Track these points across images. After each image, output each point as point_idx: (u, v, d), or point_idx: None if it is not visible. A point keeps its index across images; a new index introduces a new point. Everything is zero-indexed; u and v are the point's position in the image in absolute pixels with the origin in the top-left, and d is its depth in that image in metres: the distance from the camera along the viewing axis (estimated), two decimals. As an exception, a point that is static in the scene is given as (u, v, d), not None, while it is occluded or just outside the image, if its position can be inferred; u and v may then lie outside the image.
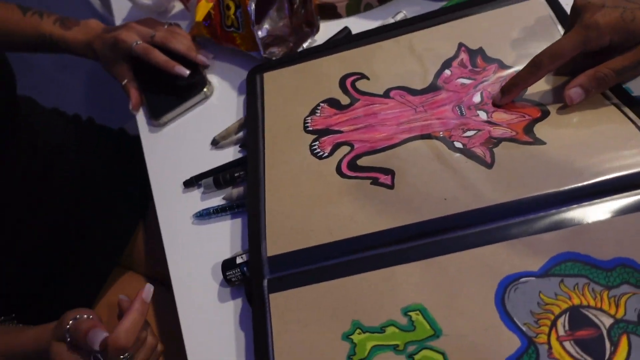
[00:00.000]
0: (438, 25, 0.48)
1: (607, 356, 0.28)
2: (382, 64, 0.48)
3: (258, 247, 0.38)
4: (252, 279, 0.37)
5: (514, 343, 0.30)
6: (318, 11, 0.56)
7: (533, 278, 0.31)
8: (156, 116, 0.56)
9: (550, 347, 0.29)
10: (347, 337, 0.33)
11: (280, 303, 0.35)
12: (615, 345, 0.28)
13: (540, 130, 0.38)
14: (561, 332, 0.30)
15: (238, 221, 0.45)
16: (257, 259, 0.38)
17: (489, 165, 0.37)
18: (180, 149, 0.54)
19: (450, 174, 0.37)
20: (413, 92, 0.44)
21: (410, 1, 0.54)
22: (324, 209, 0.39)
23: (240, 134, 0.51)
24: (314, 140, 0.44)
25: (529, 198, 0.34)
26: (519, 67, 0.42)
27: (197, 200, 0.49)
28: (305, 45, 0.55)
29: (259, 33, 0.56)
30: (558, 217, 0.33)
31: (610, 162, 0.34)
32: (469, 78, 0.43)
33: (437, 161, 0.39)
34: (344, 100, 0.46)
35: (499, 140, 0.38)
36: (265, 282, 0.37)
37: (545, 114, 0.39)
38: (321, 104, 0.47)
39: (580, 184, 0.34)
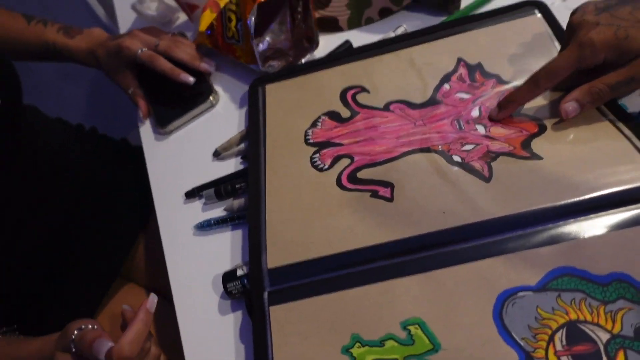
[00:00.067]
0: (438, 39, 0.49)
1: (604, 371, 0.28)
2: (382, 78, 0.48)
3: (258, 259, 0.39)
4: (253, 292, 0.38)
5: (512, 357, 0.30)
6: (318, 27, 0.56)
7: (530, 292, 0.32)
8: (162, 124, 0.56)
9: (547, 362, 0.29)
10: (346, 350, 0.33)
11: (281, 316, 0.36)
12: (612, 360, 0.29)
13: (537, 145, 0.38)
14: (559, 347, 0.30)
15: (239, 232, 0.46)
16: (258, 272, 0.38)
17: (487, 179, 0.38)
18: (182, 159, 0.54)
19: (449, 188, 0.38)
20: (412, 105, 0.45)
21: (411, 15, 0.55)
22: (324, 221, 0.40)
23: (242, 146, 0.52)
24: (315, 153, 0.45)
25: (526, 212, 0.35)
26: (516, 83, 0.43)
27: (198, 211, 0.49)
28: (304, 60, 0.56)
29: (260, 46, 0.57)
30: (555, 231, 0.34)
31: (606, 177, 0.35)
32: (467, 92, 0.44)
33: (436, 174, 0.39)
34: (345, 113, 0.47)
35: (496, 155, 0.39)
36: (266, 295, 0.37)
37: (542, 129, 0.39)
38: (322, 117, 0.48)
39: (576, 199, 0.34)
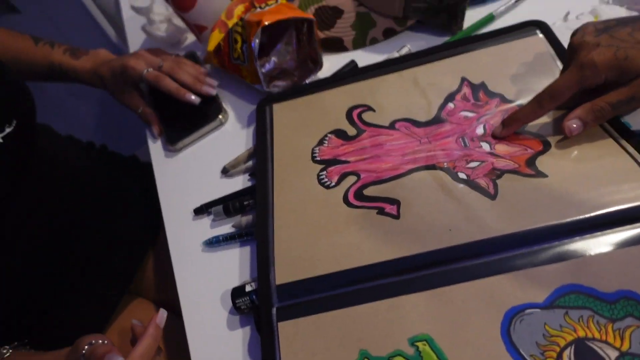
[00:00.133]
0: (441, 59, 0.50)
1: (613, 389, 0.28)
2: (387, 97, 0.49)
3: (267, 275, 0.39)
4: (261, 307, 0.38)
5: (520, 375, 0.30)
6: (323, 47, 0.58)
7: (538, 309, 0.32)
8: (172, 142, 0.57)
9: (556, 379, 0.30)
10: (354, 366, 0.33)
11: (289, 331, 0.36)
12: (620, 378, 0.29)
13: (542, 163, 0.39)
14: (567, 364, 0.30)
15: (247, 249, 0.46)
16: (266, 287, 0.39)
17: (493, 197, 0.38)
18: (191, 176, 0.55)
19: (455, 205, 0.38)
20: (417, 123, 0.46)
21: (415, 36, 0.56)
22: (331, 238, 0.40)
23: (250, 163, 0.53)
24: (322, 170, 0.46)
25: (533, 230, 0.35)
26: (520, 102, 0.43)
27: (206, 227, 0.50)
28: (308, 81, 0.57)
29: (266, 65, 0.58)
30: (561, 249, 0.34)
31: (611, 195, 0.35)
32: (471, 111, 0.45)
33: (442, 192, 0.40)
34: (351, 131, 0.48)
35: (502, 172, 0.39)
36: (274, 311, 0.37)
37: (546, 147, 0.40)
38: (328, 135, 0.48)
39: (582, 217, 0.35)
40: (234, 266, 0.45)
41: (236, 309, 0.40)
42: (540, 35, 0.47)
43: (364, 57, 0.57)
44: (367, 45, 0.58)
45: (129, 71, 0.57)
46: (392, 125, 0.47)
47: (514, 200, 0.37)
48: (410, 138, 0.45)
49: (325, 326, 0.35)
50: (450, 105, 0.46)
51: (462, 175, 0.40)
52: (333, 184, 0.44)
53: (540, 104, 0.38)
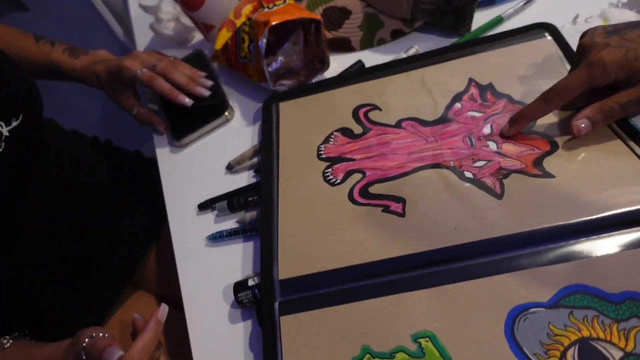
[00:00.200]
0: (449, 60, 0.50)
1: (617, 390, 0.28)
2: (394, 96, 0.50)
3: (270, 270, 0.39)
4: (264, 301, 0.38)
5: (524, 373, 0.30)
6: (331, 47, 0.58)
7: (542, 309, 0.32)
8: (178, 137, 0.58)
9: (560, 379, 0.29)
10: (356, 362, 0.33)
11: (291, 325, 0.36)
12: (626, 378, 0.28)
13: (549, 163, 0.39)
14: (571, 363, 0.30)
15: (250, 244, 0.46)
16: (269, 282, 0.39)
17: (499, 196, 0.38)
18: (195, 172, 0.55)
19: (461, 204, 0.38)
20: (424, 123, 0.46)
21: (423, 37, 0.56)
22: (336, 234, 0.40)
23: (255, 160, 0.53)
24: (327, 167, 0.46)
25: (539, 230, 0.35)
26: (527, 103, 0.43)
27: (210, 222, 0.50)
28: (314, 80, 0.57)
29: (273, 65, 0.58)
30: (567, 249, 0.34)
31: (618, 197, 0.35)
32: (479, 111, 0.45)
33: (448, 190, 0.40)
34: (357, 129, 0.48)
35: (508, 172, 0.39)
36: (277, 305, 0.37)
37: (553, 147, 0.40)
38: (335, 133, 0.49)
39: (588, 218, 0.34)
40: (236, 261, 0.45)
41: (238, 302, 0.40)
42: (549, 38, 0.47)
43: (371, 58, 0.57)
44: (375, 45, 0.58)
45: (124, 71, 0.57)
46: (398, 124, 0.47)
47: (521, 200, 0.37)
48: (416, 137, 0.45)
49: (328, 321, 0.35)
50: (458, 105, 0.46)
51: (468, 174, 0.40)
52: (338, 181, 0.44)
53: (547, 100, 0.38)
